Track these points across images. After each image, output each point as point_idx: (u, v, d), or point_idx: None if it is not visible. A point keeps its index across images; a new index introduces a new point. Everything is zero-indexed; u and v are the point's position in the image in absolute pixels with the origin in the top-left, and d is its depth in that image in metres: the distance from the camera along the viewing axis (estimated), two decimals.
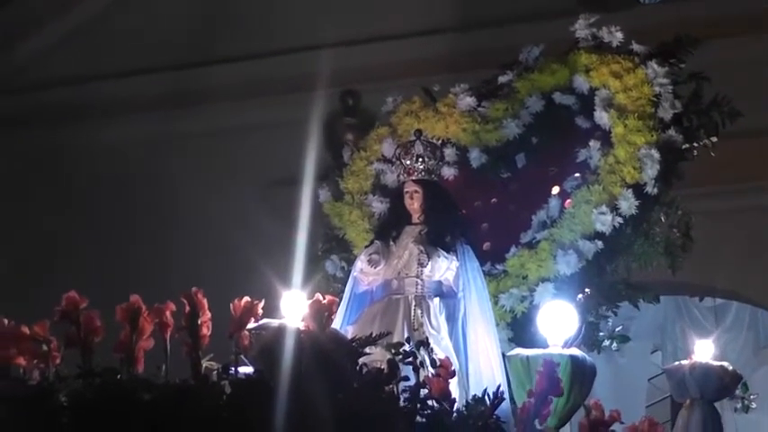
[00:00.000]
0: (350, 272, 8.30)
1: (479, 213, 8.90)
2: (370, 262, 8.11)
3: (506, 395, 7.22)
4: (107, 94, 13.52)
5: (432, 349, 7.10)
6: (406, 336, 7.45)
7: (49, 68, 13.85)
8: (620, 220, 8.47)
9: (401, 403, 6.60)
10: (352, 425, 6.30)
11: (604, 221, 8.43)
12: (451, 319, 7.88)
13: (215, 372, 6.69)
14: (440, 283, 7.97)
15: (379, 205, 8.88)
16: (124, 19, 13.80)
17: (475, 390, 7.23)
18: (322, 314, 6.68)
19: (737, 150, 9.63)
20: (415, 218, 8.15)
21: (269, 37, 13.10)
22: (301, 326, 6.56)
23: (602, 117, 8.71)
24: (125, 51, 13.62)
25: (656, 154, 8.52)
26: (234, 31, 13.37)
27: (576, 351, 7.76)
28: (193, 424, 6.36)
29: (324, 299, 6.80)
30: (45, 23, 14.07)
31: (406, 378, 6.68)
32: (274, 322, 6.68)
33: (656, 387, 12.34)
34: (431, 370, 6.80)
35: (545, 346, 7.76)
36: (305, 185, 9.50)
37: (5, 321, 6.96)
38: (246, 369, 6.69)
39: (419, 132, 8.46)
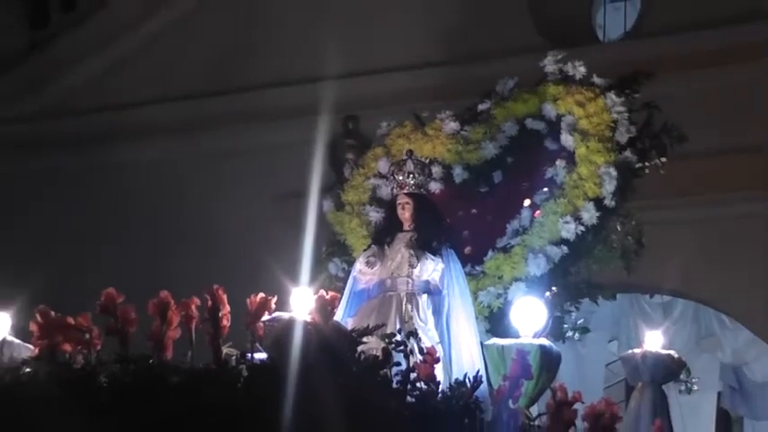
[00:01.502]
0: (350, 272, 8.31)
1: (461, 222, 8.90)
2: (367, 263, 8.13)
3: (484, 379, 7.20)
4: (141, 119, 13.53)
5: (420, 339, 7.11)
6: (398, 327, 7.49)
7: (89, 98, 13.86)
8: (582, 228, 8.51)
9: (393, 385, 6.61)
10: (351, 404, 6.30)
11: (569, 230, 8.47)
12: (437, 313, 7.91)
13: (234, 358, 6.69)
14: (427, 282, 7.98)
15: (375, 215, 8.89)
16: (155, 54, 13.83)
17: (457, 374, 7.21)
18: (326, 308, 6.69)
19: (685, 169, 9.62)
20: (406, 226, 8.16)
21: (282, 69, 13.11)
22: (308, 318, 6.57)
23: (568, 140, 8.73)
24: (156, 82, 13.64)
25: (613, 172, 8.56)
26: (251, 64, 13.38)
27: (544, 341, 7.78)
28: (215, 403, 6.35)
29: (327, 295, 6.81)
30: (81, 61, 14.11)
31: (398, 364, 6.69)
32: (285, 315, 6.69)
33: (613, 372, 12.33)
34: (419, 357, 6.79)
35: (518, 336, 7.79)
36: (311, 197, 9.51)
37: (53, 313, 6.97)
38: (261, 356, 6.68)
39: (410, 152, 8.49)
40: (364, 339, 6.72)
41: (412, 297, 7.89)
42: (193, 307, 6.89)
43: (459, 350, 7.81)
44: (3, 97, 14.09)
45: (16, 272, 8.74)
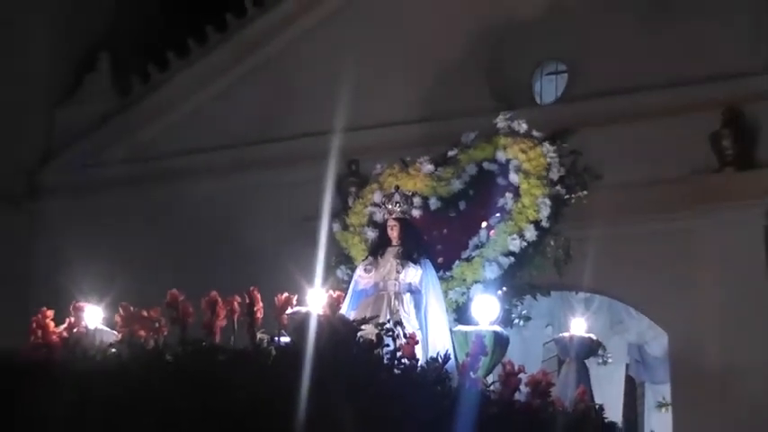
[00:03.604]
0: (352, 277, 8.26)
1: (435, 239, 8.85)
2: (365, 270, 8.11)
3: (452, 356, 7.20)
4: (199, 162, 13.54)
5: (404, 327, 7.14)
6: (387, 318, 7.48)
7: (161, 147, 13.89)
8: (525, 243, 8.50)
9: (384, 361, 6.57)
10: (351, 375, 6.27)
11: (515, 245, 8.48)
12: (417, 307, 7.89)
13: (265, 341, 6.65)
14: (410, 284, 7.96)
15: (371, 234, 8.84)
16: (207, 116, 13.87)
17: (432, 353, 7.18)
18: (334, 304, 6.67)
19: (600, 198, 9.58)
20: (394, 242, 8.14)
21: (303, 125, 13.08)
22: (321, 312, 6.54)
23: (514, 178, 8.73)
24: (210, 135, 13.65)
25: (548, 201, 8.58)
26: (280, 122, 13.38)
27: (497, 327, 7.79)
28: (252, 374, 6.31)
29: (335, 294, 6.78)
30: (154, 119, 14.16)
31: (388, 345, 6.66)
32: (303, 309, 6.66)
33: (548, 350, 12.22)
34: (403, 340, 6.77)
35: (477, 324, 7.77)
36: (323, 220, 9.48)
37: (132, 308, 6.95)
38: (285, 340, 6.65)
39: (397, 187, 8.54)
40: (362, 327, 6.68)
41: (398, 295, 7.87)
42: (235, 303, 6.88)
43: (434, 335, 7.78)
44: (98, 146, 14.11)
45: (105, 277, 8.67)
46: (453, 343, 7.72)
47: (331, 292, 6.79)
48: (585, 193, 8.88)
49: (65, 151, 14.35)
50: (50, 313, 7.17)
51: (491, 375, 7.56)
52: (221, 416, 6.12)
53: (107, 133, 14.13)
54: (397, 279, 7.93)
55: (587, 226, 10.32)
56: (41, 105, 14.50)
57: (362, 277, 8.09)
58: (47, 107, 14.52)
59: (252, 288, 6.92)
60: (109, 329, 7.25)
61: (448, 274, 8.51)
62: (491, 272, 8.41)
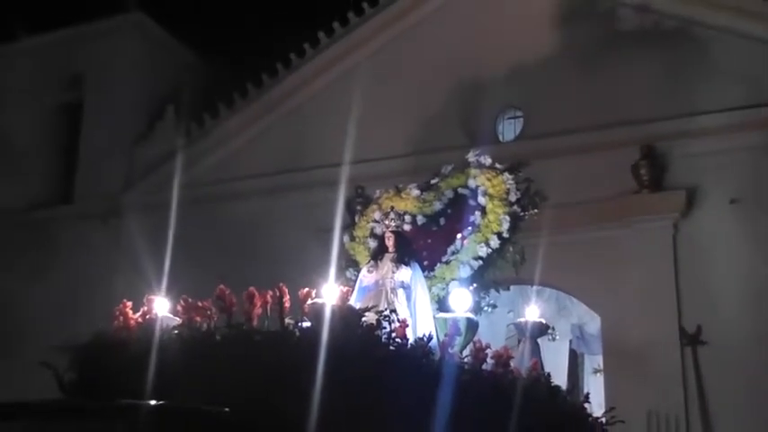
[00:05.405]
0: (358, 276, 8.23)
1: (422, 247, 8.78)
2: (368, 271, 8.07)
3: (435, 337, 7.18)
4: (241, 187, 13.57)
5: (398, 314, 7.10)
6: (385, 307, 7.44)
7: (214, 175, 13.92)
8: (490, 250, 8.47)
9: (382, 340, 6.57)
10: (356, 351, 6.27)
11: (483, 251, 8.44)
12: (408, 299, 7.85)
13: (291, 325, 6.65)
14: (402, 281, 7.91)
15: (372, 244, 8.77)
16: (247, 150, 13.91)
17: (419, 334, 7.14)
18: (344, 297, 6.66)
19: (548, 214, 9.49)
20: (390, 249, 8.10)
21: (320, 158, 13.14)
22: (333, 303, 6.53)
23: (482, 200, 8.68)
24: (249, 165, 13.71)
25: (507, 218, 8.53)
26: (304, 155, 13.43)
27: (469, 314, 7.76)
28: (280, 349, 6.32)
29: (345, 289, 6.78)
30: (209, 153, 14.21)
31: (385, 328, 6.64)
32: (320, 300, 6.65)
33: (510, 330, 12.19)
34: (397, 324, 6.76)
35: (454, 312, 7.76)
36: (336, 232, 9.45)
37: (190, 299, 6.95)
38: (306, 324, 6.64)
39: (392, 207, 8.50)
40: (366, 314, 6.67)
41: (393, 290, 7.83)
42: (268, 296, 6.86)
43: (421, 320, 7.75)
44: (166, 176, 14.09)
45: (170, 276, 8.66)
46: (436, 326, 7.69)
47: (342, 287, 6.79)
48: (536, 210, 8.84)
49: (141, 179, 14.43)
50: (129, 304, 7.21)
51: (465, 351, 7.55)
52: (258, 380, 6.12)
53: (173, 165, 14.14)
54: (392, 278, 7.89)
55: (538, 235, 10.31)
56: (124, 145, 14.80)
57: (366, 276, 8.06)
58: (128, 146, 14.78)
59: (281, 284, 6.91)
60: (173, 316, 7.24)
61: (431, 273, 8.46)
62: (464, 272, 8.38)
